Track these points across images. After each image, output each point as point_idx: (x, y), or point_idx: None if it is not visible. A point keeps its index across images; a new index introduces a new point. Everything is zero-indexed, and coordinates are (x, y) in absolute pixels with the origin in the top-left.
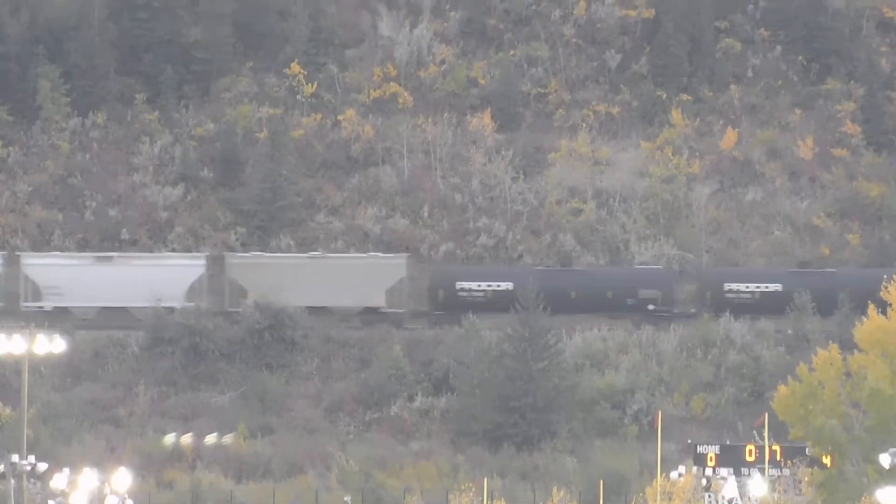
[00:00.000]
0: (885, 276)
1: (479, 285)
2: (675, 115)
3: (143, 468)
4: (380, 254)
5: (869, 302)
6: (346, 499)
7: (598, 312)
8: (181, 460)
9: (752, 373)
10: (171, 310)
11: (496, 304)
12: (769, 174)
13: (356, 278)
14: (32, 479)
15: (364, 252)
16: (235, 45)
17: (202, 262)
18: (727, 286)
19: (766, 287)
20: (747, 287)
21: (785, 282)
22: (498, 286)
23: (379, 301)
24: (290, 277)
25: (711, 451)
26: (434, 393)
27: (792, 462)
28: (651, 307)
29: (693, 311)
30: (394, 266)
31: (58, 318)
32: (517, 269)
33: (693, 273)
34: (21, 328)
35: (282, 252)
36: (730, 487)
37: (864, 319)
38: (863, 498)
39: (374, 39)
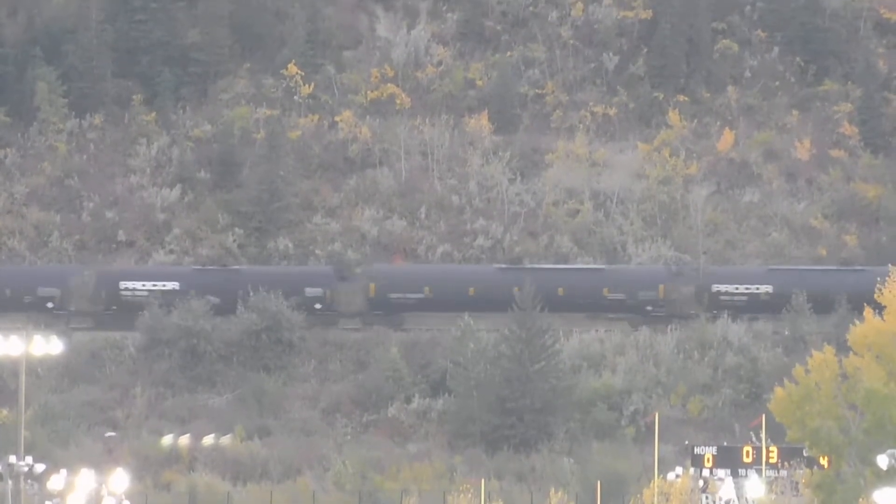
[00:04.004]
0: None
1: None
2: (673, 117)
3: (140, 470)
4: None
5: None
6: None
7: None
8: (178, 462)
9: (749, 374)
10: (168, 311)
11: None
12: (766, 175)
13: None
14: (30, 481)
15: (361, 253)
16: (233, 47)
17: None
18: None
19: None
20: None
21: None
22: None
23: None
24: None
25: (709, 453)
26: (431, 394)
27: (789, 463)
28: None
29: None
30: None
31: None
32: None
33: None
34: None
35: (279, 253)
36: (727, 489)
37: (857, 322)
38: (860, 499)
39: (372, 41)
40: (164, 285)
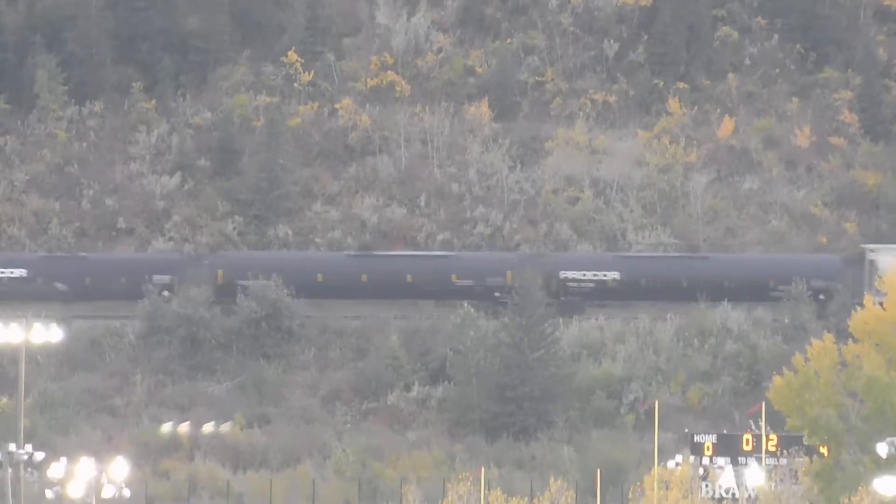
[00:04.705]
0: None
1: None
2: (673, 104)
3: (140, 457)
4: None
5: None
6: None
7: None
8: (178, 450)
9: (748, 362)
10: (168, 299)
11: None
12: (766, 163)
13: None
14: (30, 469)
15: (361, 240)
16: (232, 35)
17: None
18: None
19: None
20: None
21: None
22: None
23: None
24: None
25: (708, 441)
26: (431, 382)
27: (788, 452)
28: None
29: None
30: None
31: None
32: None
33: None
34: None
35: (279, 241)
36: (727, 477)
37: (859, 309)
38: (859, 487)
39: (372, 28)
40: (11, 272)
